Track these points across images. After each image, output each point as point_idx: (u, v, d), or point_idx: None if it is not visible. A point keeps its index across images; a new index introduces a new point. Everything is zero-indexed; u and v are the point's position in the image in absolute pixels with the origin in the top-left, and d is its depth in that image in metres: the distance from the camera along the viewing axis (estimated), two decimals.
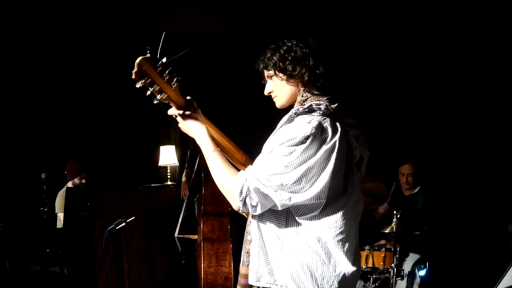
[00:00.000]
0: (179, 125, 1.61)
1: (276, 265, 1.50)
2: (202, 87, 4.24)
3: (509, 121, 4.09)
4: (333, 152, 1.42)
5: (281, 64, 1.56)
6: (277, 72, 1.59)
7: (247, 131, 3.85)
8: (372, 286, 3.40)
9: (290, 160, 1.40)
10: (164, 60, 1.42)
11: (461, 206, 4.25)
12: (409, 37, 4.35)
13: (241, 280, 1.67)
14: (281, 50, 1.58)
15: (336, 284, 1.47)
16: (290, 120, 1.49)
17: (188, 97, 1.58)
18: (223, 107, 4.55)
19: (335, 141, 1.43)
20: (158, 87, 1.42)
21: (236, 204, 1.46)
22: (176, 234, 3.95)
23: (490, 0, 3.91)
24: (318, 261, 1.47)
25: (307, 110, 1.49)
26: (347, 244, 1.50)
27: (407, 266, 3.50)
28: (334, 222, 1.49)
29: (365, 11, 4.24)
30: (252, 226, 1.56)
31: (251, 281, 1.55)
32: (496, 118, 4.20)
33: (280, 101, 1.65)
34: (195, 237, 3.83)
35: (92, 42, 5.01)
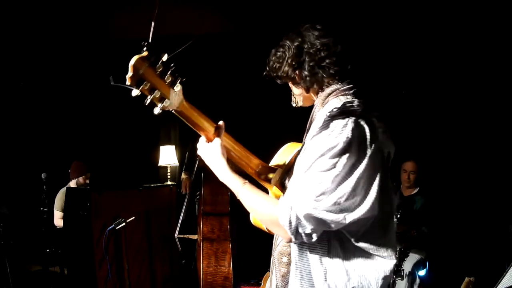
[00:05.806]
0: (199, 152, 1.41)
1: None
2: (205, 89, 4.23)
3: (508, 121, 4.09)
4: (378, 154, 1.25)
5: (285, 72, 1.39)
6: (286, 81, 1.43)
7: (254, 134, 3.80)
8: None
9: (336, 173, 1.19)
10: (164, 58, 1.16)
11: (461, 206, 4.24)
12: (409, 37, 4.35)
13: None
14: (278, 55, 1.40)
15: None
16: (325, 126, 1.24)
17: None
18: (227, 109, 4.53)
19: (377, 142, 1.25)
20: (159, 93, 1.17)
21: (286, 236, 1.23)
22: (176, 234, 3.95)
23: (490, 0, 3.91)
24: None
25: (340, 111, 1.26)
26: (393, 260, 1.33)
27: (407, 266, 3.49)
28: (388, 236, 1.32)
29: (366, 11, 4.24)
30: (292, 250, 1.35)
31: None
32: (495, 117, 4.19)
33: (305, 104, 1.49)
34: (195, 237, 3.84)
35: (92, 42, 5.01)
